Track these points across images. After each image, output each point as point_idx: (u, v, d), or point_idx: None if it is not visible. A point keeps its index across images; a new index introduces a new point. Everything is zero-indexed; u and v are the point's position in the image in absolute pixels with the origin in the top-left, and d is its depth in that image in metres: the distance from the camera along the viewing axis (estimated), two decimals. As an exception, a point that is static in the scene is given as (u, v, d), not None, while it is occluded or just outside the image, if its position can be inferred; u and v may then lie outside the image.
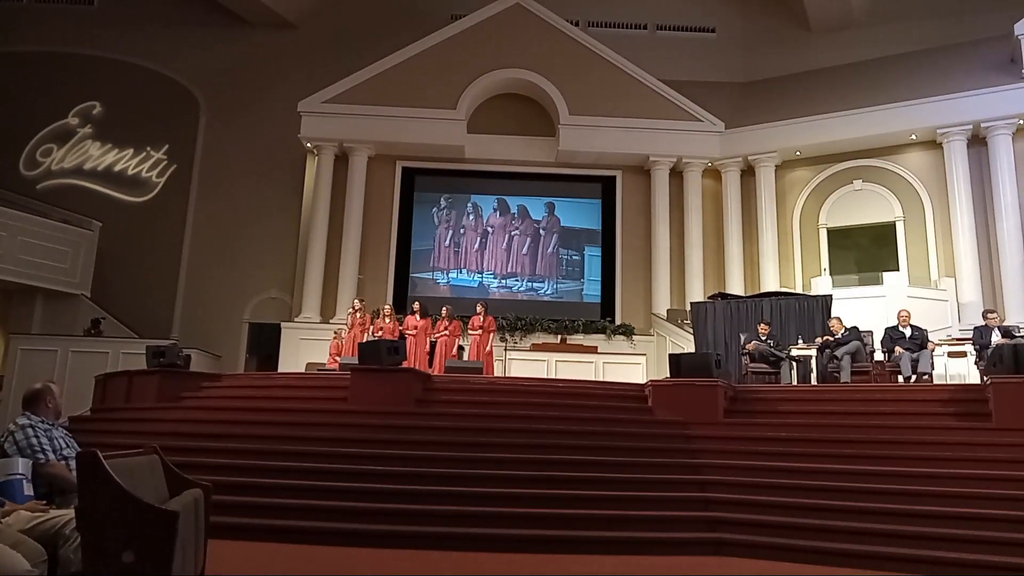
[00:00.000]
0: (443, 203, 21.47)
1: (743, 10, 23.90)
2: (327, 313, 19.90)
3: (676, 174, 21.35)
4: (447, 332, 15.48)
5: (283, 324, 19.34)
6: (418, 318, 15.55)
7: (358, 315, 15.88)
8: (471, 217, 21.49)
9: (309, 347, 18.59)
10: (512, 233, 21.31)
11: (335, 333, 16.78)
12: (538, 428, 9.76)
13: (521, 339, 19.19)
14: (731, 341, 14.55)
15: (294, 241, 21.24)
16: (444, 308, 15.79)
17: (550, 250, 21.29)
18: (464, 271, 21.12)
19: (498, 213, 21.49)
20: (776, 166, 21.01)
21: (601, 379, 15.78)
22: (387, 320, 15.72)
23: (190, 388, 11.95)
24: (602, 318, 20.27)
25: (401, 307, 19.04)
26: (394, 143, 20.58)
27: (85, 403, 13.65)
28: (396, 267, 20.83)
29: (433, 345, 15.44)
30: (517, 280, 21.10)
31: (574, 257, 21.33)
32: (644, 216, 21.25)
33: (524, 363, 16.48)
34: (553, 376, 15.79)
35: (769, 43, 23.36)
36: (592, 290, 21.09)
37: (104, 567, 3.51)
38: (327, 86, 20.81)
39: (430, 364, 15.24)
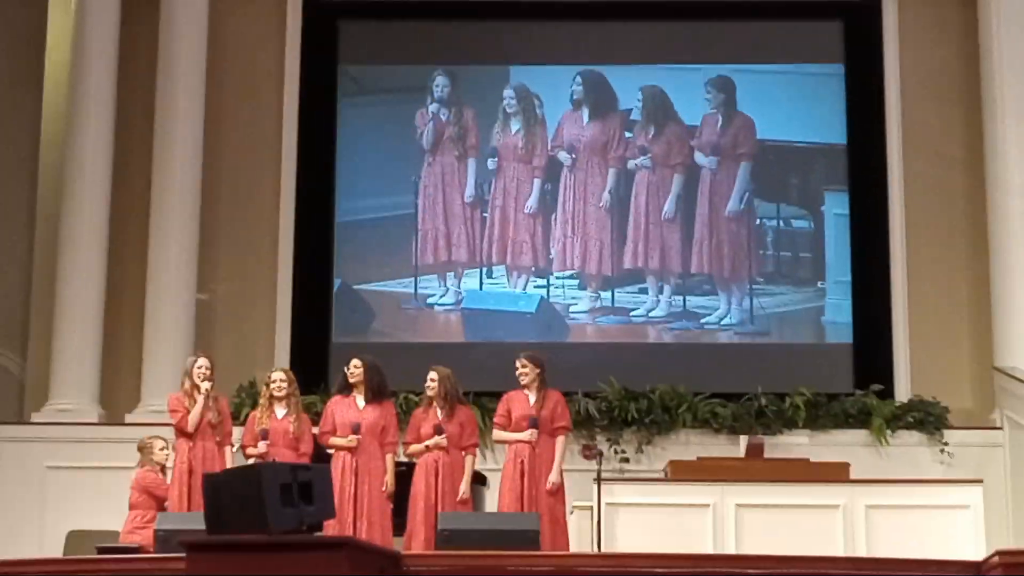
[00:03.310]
0: (438, 90, 10.14)
1: None
2: (121, 398, 10.36)
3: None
4: (440, 438, 8.09)
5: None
6: (361, 401, 8.12)
7: (200, 396, 8.33)
8: (515, 129, 10.01)
9: (74, 488, 9.75)
10: (628, 163, 10.02)
11: (143, 449, 8.73)
12: None
13: (643, 450, 9.84)
14: None
15: (25, 211, 10.55)
16: (435, 373, 7.97)
17: (731, 208, 10.01)
18: (496, 270, 10.11)
19: (585, 112, 10.09)
20: None
21: (860, 552, 8.22)
22: (280, 409, 8.31)
23: None
24: (858, 387, 9.71)
25: (314, 374, 9.71)
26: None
27: None
28: (299, 266, 10.35)
29: (405, 472, 8.32)
30: (639, 289, 9.96)
31: (793, 225, 10.06)
32: (965, 98, 10.05)
33: (649, 515, 8.62)
34: (731, 550, 8.27)
35: None
36: (839, 312, 9.89)
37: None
38: None
39: (397, 523, 8.07)
